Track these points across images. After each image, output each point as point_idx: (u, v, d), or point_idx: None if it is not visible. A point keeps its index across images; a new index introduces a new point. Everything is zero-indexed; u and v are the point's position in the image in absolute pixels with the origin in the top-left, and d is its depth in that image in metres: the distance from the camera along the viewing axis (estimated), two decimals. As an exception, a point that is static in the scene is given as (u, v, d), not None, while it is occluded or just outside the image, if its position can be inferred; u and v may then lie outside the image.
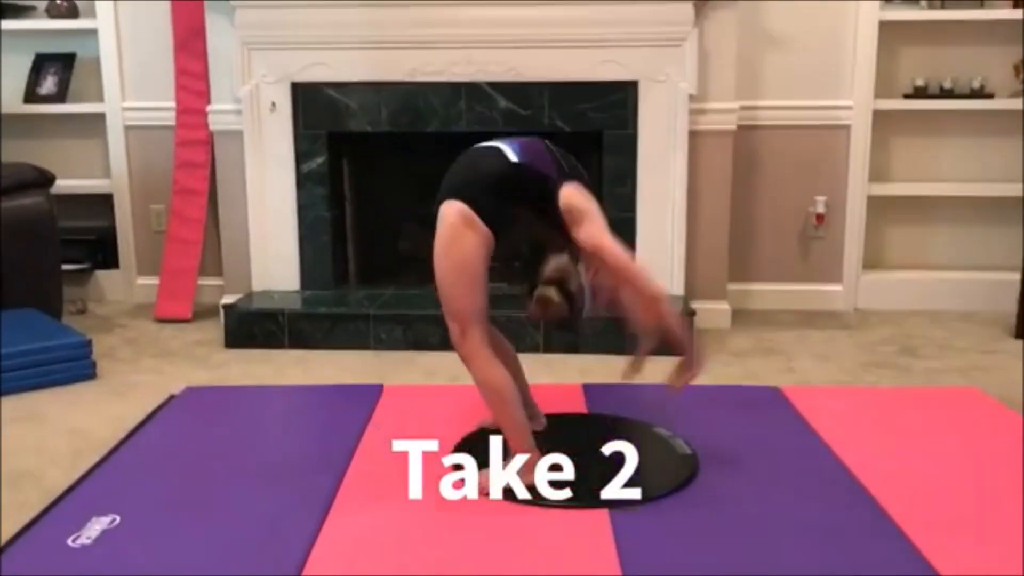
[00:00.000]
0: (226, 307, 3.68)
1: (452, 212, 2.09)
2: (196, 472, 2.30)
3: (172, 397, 2.90)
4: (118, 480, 2.27)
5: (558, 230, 2.12)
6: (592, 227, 2.06)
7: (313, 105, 3.77)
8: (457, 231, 2.06)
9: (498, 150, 2.15)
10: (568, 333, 2.18)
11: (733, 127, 3.76)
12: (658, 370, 3.20)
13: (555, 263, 2.14)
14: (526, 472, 2.10)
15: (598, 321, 2.21)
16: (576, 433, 2.46)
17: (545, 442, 2.28)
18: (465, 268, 2.07)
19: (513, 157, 2.12)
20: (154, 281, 4.20)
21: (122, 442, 2.53)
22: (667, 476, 2.20)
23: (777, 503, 2.09)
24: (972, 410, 2.73)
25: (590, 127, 3.71)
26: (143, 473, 2.31)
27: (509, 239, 2.14)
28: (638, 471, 2.08)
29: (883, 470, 2.25)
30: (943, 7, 3.97)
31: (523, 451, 2.12)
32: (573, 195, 2.10)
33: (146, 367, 3.40)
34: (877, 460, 2.31)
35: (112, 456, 2.43)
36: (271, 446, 2.50)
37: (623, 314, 2.20)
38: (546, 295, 2.11)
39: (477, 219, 2.06)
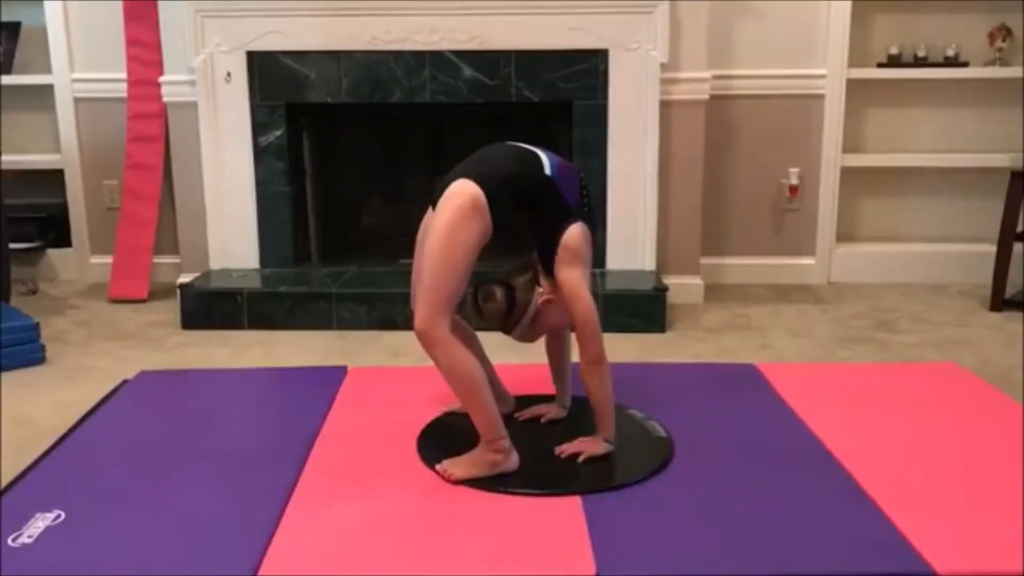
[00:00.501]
0: (182, 287, 3.55)
1: (467, 192, 2.01)
2: (148, 463, 2.18)
3: (125, 382, 2.77)
4: (65, 473, 2.14)
5: (542, 253, 2.12)
6: (577, 272, 2.08)
7: (270, 75, 3.62)
8: (466, 214, 1.99)
9: (536, 156, 2.12)
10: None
11: (705, 97, 3.67)
12: (629, 348, 3.15)
13: (518, 275, 2.14)
14: (495, 453, 2.03)
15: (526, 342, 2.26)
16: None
17: (514, 425, 2.20)
18: (460, 254, 1.99)
19: (548, 170, 2.10)
20: (108, 260, 4.05)
21: (70, 431, 2.40)
22: (641, 461, 2.12)
23: (755, 487, 2.02)
24: (951, 385, 2.67)
25: (559, 97, 3.60)
26: (92, 465, 2.19)
27: (501, 240, 2.10)
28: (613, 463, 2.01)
29: (864, 449, 2.18)
30: (917, -27, 3.91)
31: (493, 436, 2.03)
32: (579, 236, 2.10)
33: (99, 350, 3.27)
34: (857, 439, 2.25)
35: (59, 446, 2.30)
36: (228, 434, 2.38)
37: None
38: (491, 290, 2.11)
39: (487, 209, 2.00)
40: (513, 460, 2.04)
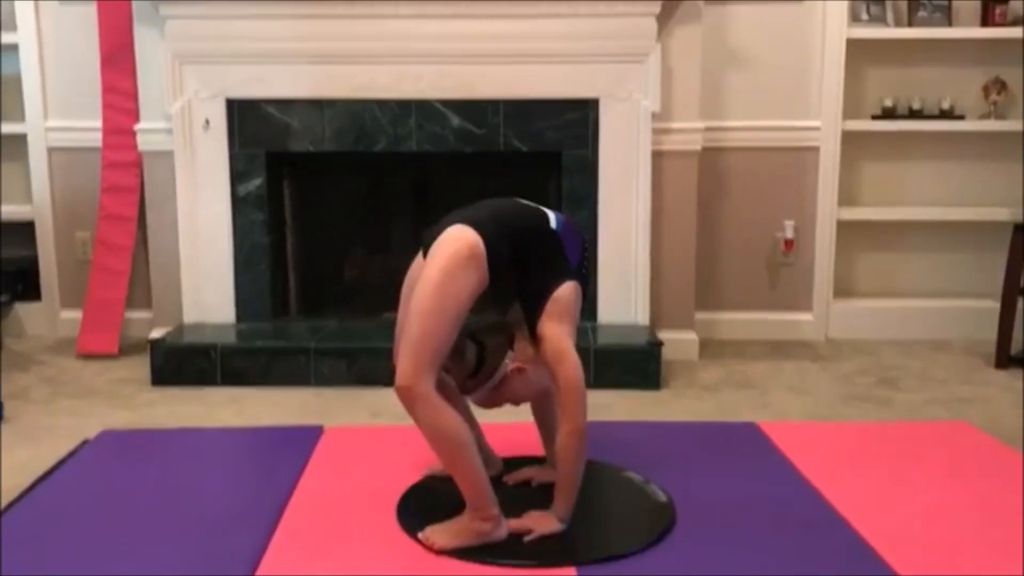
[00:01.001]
0: (153, 342, 3.38)
1: (465, 238, 1.88)
2: (104, 531, 2.01)
3: (85, 442, 2.59)
4: (11, 542, 1.96)
5: (529, 308, 1.98)
6: (564, 329, 1.94)
7: (250, 123, 3.51)
8: (462, 262, 1.85)
9: (542, 211, 2.04)
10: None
11: (698, 147, 3.58)
12: (623, 406, 3.00)
13: (491, 335, 1.99)
14: (483, 521, 1.87)
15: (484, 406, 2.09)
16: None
17: (503, 490, 2.04)
18: (452, 305, 1.84)
19: (553, 224, 2.01)
20: (79, 314, 3.88)
21: (21, 496, 2.22)
22: (641, 529, 1.96)
23: (762, 555, 1.87)
24: (963, 445, 2.54)
25: (548, 147, 3.50)
26: (41, 533, 2.01)
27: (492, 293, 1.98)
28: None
29: (878, 514, 2.04)
30: (911, 26, 3.85)
31: (481, 503, 1.87)
32: (570, 295, 1.97)
33: (63, 408, 3.09)
34: (869, 502, 2.11)
35: (8, 512, 2.12)
36: (192, 499, 2.20)
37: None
38: (462, 348, 1.94)
39: (485, 258, 1.87)
40: (502, 529, 1.88)
